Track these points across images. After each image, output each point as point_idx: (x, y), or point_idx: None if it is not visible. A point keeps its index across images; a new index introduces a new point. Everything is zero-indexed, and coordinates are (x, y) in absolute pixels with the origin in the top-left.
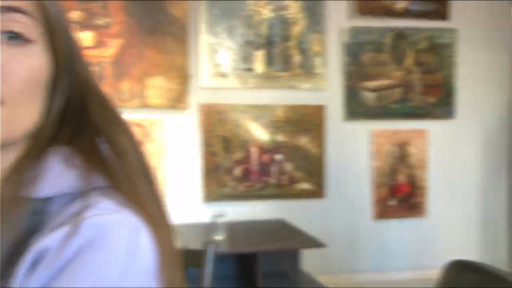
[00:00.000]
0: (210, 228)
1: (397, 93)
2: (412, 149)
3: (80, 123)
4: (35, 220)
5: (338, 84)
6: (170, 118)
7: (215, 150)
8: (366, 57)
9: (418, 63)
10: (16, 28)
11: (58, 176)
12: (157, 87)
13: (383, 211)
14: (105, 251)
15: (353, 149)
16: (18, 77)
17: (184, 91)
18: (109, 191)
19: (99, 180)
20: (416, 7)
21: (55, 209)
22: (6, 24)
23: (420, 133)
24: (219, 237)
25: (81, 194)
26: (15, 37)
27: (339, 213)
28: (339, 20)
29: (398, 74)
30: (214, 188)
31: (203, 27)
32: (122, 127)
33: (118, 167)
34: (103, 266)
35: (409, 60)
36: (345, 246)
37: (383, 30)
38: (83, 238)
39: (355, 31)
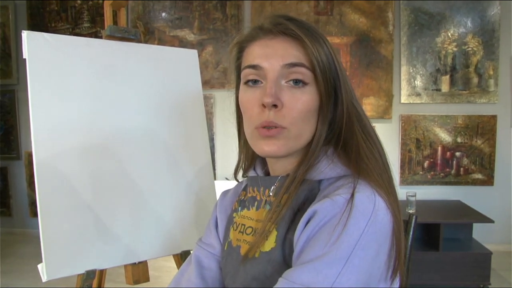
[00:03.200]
0: (405, 204)
1: None
2: None
3: (341, 131)
4: (311, 194)
5: (508, 98)
6: (379, 125)
7: (410, 148)
8: None
9: None
10: (298, 76)
11: (325, 167)
12: (371, 104)
13: None
14: (354, 215)
15: None
16: (296, 110)
17: (389, 106)
18: (356, 177)
19: (350, 169)
20: None
21: (322, 187)
22: (292, 74)
23: None
24: (411, 210)
25: (339, 178)
26: (297, 82)
27: (504, 198)
28: (509, 50)
29: None
30: (408, 175)
31: (404, 61)
32: (372, 135)
33: (363, 163)
34: (354, 223)
35: None
36: (507, 223)
37: None
38: (338, 206)
39: None
